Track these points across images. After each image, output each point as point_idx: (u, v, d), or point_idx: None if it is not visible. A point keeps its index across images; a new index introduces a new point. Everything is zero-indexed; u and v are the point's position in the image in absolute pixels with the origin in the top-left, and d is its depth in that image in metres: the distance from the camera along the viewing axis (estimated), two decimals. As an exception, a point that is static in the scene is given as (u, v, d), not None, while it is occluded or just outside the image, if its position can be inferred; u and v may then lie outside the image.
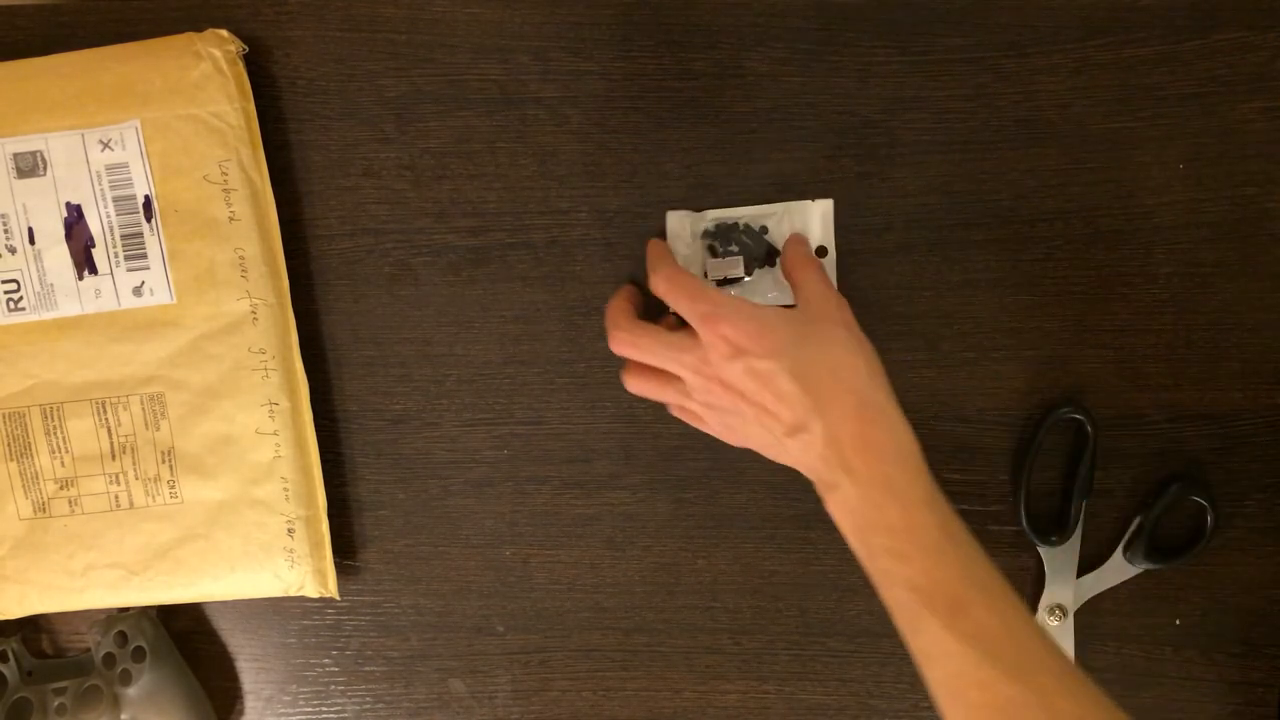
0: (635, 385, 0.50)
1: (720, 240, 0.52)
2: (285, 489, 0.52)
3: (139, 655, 0.54)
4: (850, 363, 0.45)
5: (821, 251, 0.52)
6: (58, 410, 0.52)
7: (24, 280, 0.51)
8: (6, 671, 0.54)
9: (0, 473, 0.52)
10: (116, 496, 0.53)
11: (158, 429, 0.52)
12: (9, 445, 0.52)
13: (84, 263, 0.51)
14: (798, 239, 0.52)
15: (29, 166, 0.50)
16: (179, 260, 0.51)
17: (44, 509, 0.53)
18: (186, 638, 0.57)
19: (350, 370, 0.55)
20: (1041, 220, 0.52)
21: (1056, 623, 0.54)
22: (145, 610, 0.55)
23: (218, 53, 0.50)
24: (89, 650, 0.56)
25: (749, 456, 0.54)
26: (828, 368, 0.44)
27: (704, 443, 0.54)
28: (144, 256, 0.51)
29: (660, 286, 0.47)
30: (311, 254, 0.54)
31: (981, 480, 0.54)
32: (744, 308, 0.45)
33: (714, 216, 0.52)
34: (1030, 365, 0.53)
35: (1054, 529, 0.54)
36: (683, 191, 0.53)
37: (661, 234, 0.53)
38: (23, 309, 0.51)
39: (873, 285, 0.53)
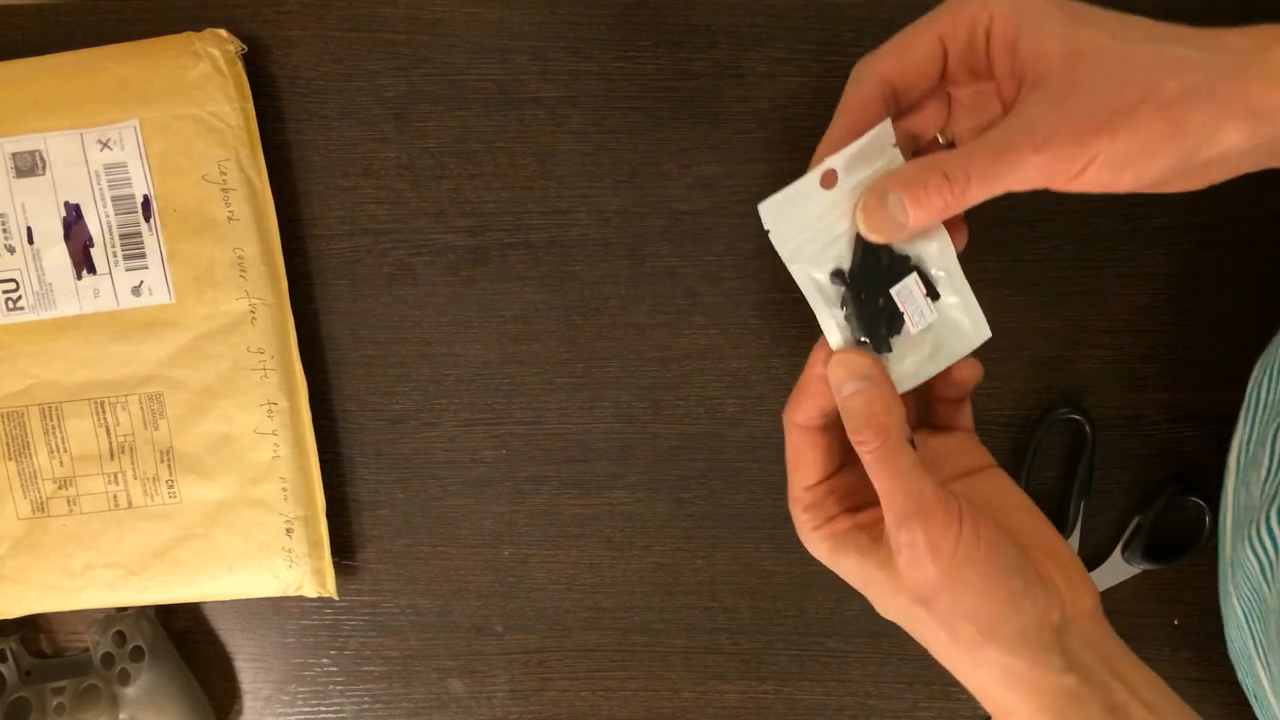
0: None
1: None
2: (284, 489, 0.52)
3: (137, 655, 0.54)
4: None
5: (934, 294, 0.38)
6: (56, 410, 0.52)
7: (23, 280, 0.51)
8: (5, 671, 0.54)
9: (-1, 472, 0.53)
10: (115, 496, 0.53)
11: (156, 429, 0.52)
12: (7, 445, 0.52)
13: (83, 262, 0.51)
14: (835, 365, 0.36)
15: (28, 166, 0.50)
16: (178, 260, 0.51)
17: (42, 509, 0.53)
18: (185, 637, 0.57)
19: (349, 370, 0.55)
20: (1041, 220, 0.52)
21: (1055, 623, 0.54)
22: (144, 610, 0.55)
23: (217, 52, 0.50)
24: (87, 650, 0.56)
25: (748, 456, 0.55)
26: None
27: (703, 443, 0.54)
28: (143, 256, 0.51)
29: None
30: (310, 254, 0.54)
31: (981, 480, 0.54)
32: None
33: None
34: (1030, 365, 0.53)
35: (1053, 529, 0.54)
36: (682, 191, 0.53)
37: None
38: (21, 308, 0.51)
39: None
